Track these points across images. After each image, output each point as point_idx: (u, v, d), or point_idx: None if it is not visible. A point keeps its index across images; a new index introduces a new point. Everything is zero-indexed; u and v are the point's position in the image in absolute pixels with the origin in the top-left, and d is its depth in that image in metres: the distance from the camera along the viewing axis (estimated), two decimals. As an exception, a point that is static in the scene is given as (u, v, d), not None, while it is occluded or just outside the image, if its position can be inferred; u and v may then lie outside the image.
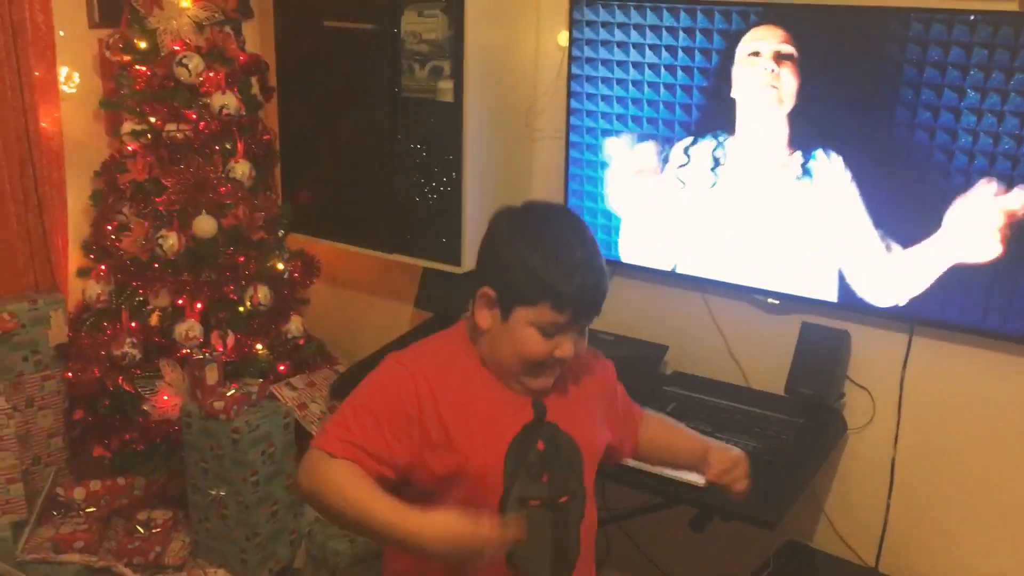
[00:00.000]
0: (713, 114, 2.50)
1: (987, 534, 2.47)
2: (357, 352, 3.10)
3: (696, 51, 2.47)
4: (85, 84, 2.93)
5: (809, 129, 2.37)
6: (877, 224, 2.35)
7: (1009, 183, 2.16)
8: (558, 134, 2.84)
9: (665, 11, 2.49)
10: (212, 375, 2.68)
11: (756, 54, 2.37)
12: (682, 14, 2.46)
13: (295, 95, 3.01)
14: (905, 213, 2.31)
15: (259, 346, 2.91)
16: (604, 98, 2.66)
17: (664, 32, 2.51)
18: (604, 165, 2.72)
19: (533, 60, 2.87)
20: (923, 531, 2.56)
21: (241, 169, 2.82)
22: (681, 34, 2.48)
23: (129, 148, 2.78)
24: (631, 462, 1.97)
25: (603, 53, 2.62)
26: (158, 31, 2.75)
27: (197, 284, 2.79)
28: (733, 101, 2.46)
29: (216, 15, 2.80)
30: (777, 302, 2.61)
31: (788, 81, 2.36)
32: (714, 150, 2.53)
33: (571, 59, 2.70)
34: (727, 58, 2.43)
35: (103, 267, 2.87)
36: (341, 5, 2.84)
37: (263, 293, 2.90)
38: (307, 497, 1.51)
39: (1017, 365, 2.34)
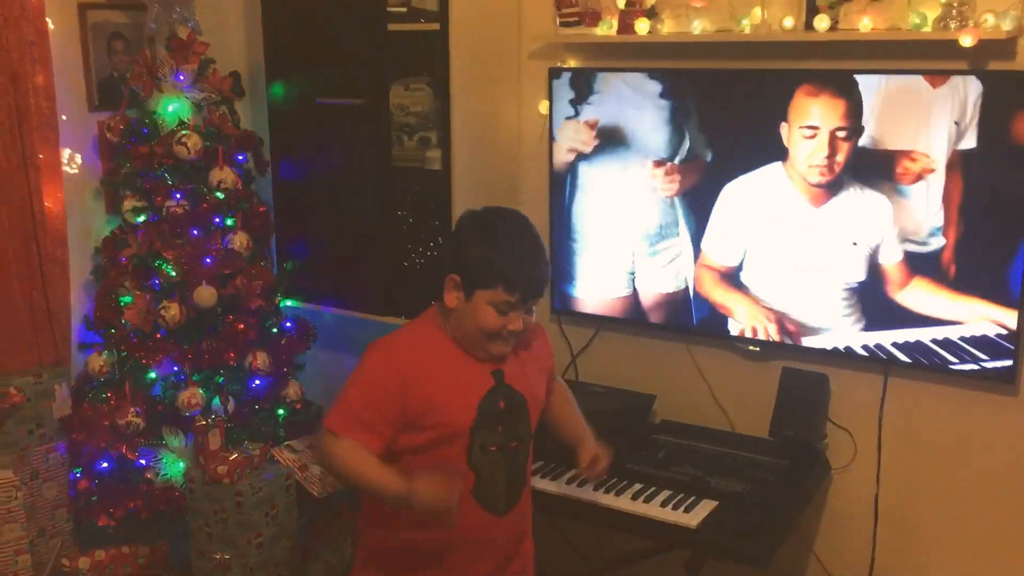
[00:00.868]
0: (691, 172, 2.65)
1: (970, 564, 2.56)
2: (354, 414, 3.17)
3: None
4: (86, 165, 3.05)
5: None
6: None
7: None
8: (541, 195, 2.98)
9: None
10: (215, 440, 2.75)
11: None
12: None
13: (289, 168, 3.14)
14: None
15: (257, 409, 2.99)
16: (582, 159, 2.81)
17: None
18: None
19: (516, 128, 3.02)
20: (909, 564, 2.65)
21: (239, 240, 2.93)
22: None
23: (130, 224, 2.88)
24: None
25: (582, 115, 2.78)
26: (157, 113, 2.87)
27: (198, 352, 2.88)
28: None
29: (212, 95, 2.94)
30: (757, 349, 2.73)
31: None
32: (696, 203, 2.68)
33: (551, 126, 2.85)
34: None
35: (105, 340, 2.94)
36: (331, 83, 2.99)
37: (262, 359, 2.98)
38: (328, 467, 2.00)
39: (987, 402, 2.46)
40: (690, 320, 2.74)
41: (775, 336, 2.62)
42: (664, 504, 2.39)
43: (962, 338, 2.37)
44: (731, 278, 2.65)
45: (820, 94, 2.42)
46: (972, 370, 2.39)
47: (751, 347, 2.73)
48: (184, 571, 2.87)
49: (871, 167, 2.39)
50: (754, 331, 2.64)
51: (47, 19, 2.81)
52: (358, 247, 3.04)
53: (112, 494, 2.84)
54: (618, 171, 2.76)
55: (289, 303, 3.20)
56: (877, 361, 2.54)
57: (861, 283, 2.47)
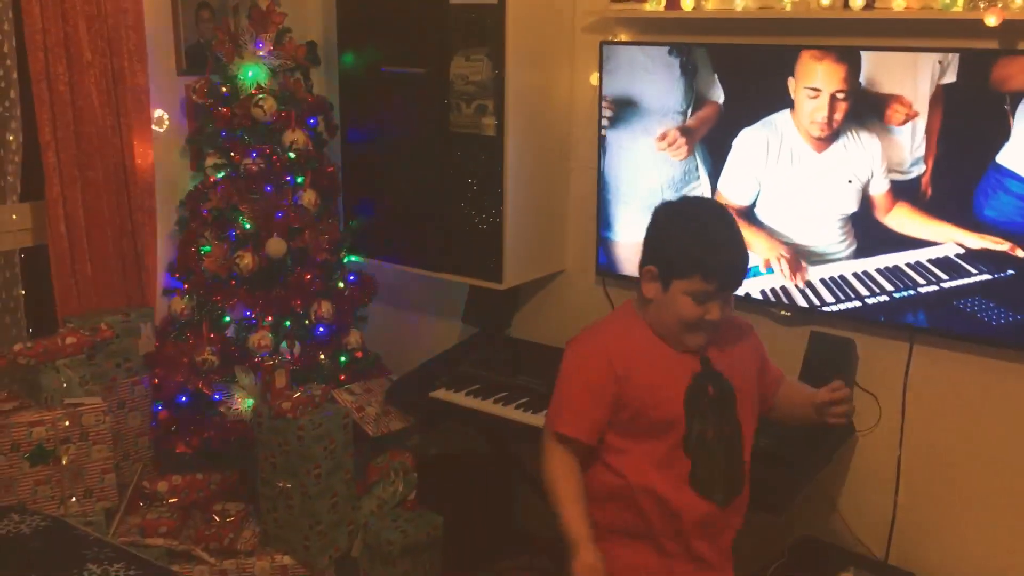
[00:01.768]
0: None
1: (988, 526, 2.66)
2: (408, 364, 3.41)
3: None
4: (173, 124, 3.32)
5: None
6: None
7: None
8: (592, 164, 3.14)
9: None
10: (281, 379, 3.00)
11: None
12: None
13: (356, 132, 3.36)
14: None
15: (322, 356, 3.24)
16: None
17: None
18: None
19: (568, 98, 3.19)
20: (929, 525, 2.75)
21: (308, 197, 3.17)
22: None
23: (211, 180, 3.14)
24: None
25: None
26: (237, 77, 3.12)
27: (268, 299, 3.13)
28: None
29: (288, 62, 3.17)
30: (788, 314, 2.85)
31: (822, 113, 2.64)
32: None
33: (602, 97, 3.01)
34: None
35: (186, 285, 3.22)
36: (397, 53, 3.19)
37: (326, 308, 3.23)
38: (542, 463, 2.02)
39: (1009, 370, 2.55)
40: None
41: (787, 269, 2.78)
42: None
43: (930, 260, 2.53)
44: (746, 215, 2.80)
45: (823, 59, 2.57)
46: (994, 338, 2.49)
47: (782, 312, 2.86)
48: (251, 497, 3.15)
49: (865, 113, 2.55)
50: (767, 263, 2.79)
51: (141, -12, 3.08)
52: (417, 207, 3.25)
53: (189, 425, 3.12)
54: (641, 133, 2.93)
55: (353, 258, 3.44)
56: (903, 328, 2.66)
57: (854, 213, 2.64)
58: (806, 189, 2.70)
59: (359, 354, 3.38)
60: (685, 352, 1.99)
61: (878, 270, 2.63)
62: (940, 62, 2.41)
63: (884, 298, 2.63)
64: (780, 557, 2.70)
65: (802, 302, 2.77)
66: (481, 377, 3.12)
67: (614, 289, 3.22)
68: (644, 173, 2.97)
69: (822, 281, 2.73)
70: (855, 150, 2.59)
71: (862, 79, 2.54)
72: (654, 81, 2.88)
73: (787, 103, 2.66)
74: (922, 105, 2.46)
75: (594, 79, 3.06)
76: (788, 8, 2.62)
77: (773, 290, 2.83)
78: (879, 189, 2.59)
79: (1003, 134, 2.35)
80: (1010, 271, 2.43)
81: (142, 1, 3.07)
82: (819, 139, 2.64)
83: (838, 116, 2.59)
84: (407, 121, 3.20)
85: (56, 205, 2.97)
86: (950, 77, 2.41)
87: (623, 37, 3.01)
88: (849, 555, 2.77)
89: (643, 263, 1.99)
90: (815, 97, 2.61)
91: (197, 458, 3.14)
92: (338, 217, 3.43)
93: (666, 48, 2.84)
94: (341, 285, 3.33)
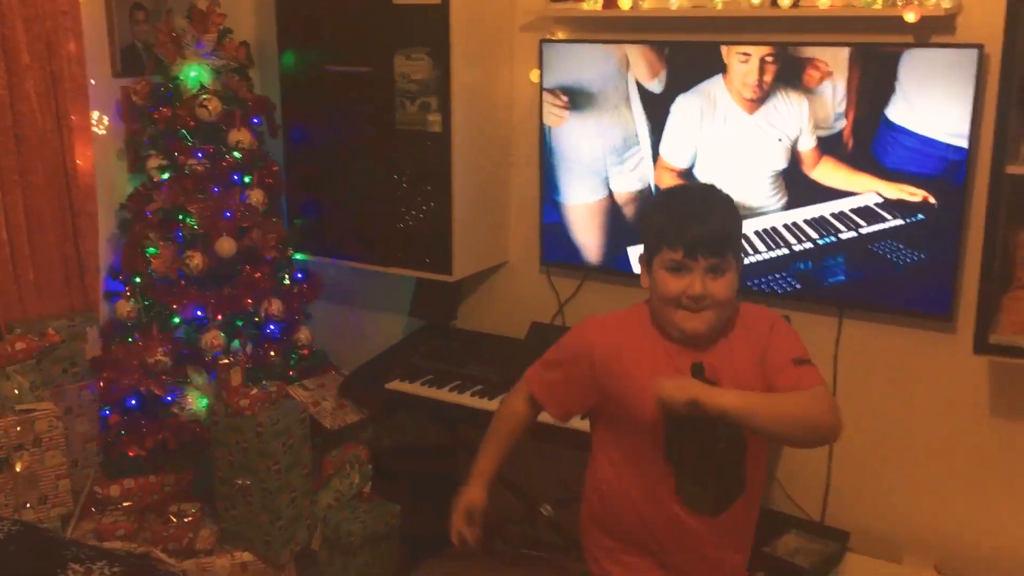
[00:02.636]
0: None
1: (915, 486, 2.88)
2: (355, 359, 3.46)
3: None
4: (112, 126, 3.29)
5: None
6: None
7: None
8: (532, 159, 3.25)
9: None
10: (236, 377, 3.02)
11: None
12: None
13: (299, 131, 3.40)
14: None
15: (272, 353, 3.27)
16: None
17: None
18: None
19: (509, 95, 3.29)
20: (860, 487, 2.96)
21: (256, 196, 3.19)
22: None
23: (155, 181, 3.13)
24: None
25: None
26: (179, 78, 3.12)
27: (219, 298, 3.14)
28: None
29: (230, 62, 3.19)
30: (727, 295, 3.02)
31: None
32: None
33: (542, 92, 3.13)
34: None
35: (130, 287, 3.20)
36: (339, 52, 3.24)
37: (276, 306, 3.26)
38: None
39: (929, 340, 2.78)
40: None
41: None
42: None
43: (852, 209, 2.74)
44: (685, 176, 2.96)
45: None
46: (916, 311, 2.71)
47: (721, 293, 3.03)
48: (206, 497, 3.15)
49: (791, 74, 2.74)
50: None
51: (79, -10, 3.05)
52: (364, 204, 3.31)
53: (141, 427, 3.11)
54: (586, 103, 3.07)
55: (300, 256, 3.47)
56: (833, 303, 2.86)
57: (784, 169, 2.82)
58: (739, 149, 2.87)
59: (306, 352, 3.42)
60: (685, 345, 1.85)
61: (805, 220, 2.82)
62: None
63: (809, 245, 2.82)
64: (727, 524, 2.86)
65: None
66: (433, 368, 3.20)
67: (558, 279, 3.34)
68: (589, 141, 3.09)
69: (755, 233, 2.90)
70: (784, 110, 2.77)
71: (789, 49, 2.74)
72: (596, 59, 3.02)
73: (720, 68, 2.82)
74: (841, 67, 2.65)
75: (534, 76, 3.18)
76: (719, 7, 2.79)
77: None
78: (807, 145, 2.77)
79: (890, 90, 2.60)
80: (920, 216, 2.64)
81: (80, 4, 3.04)
82: (751, 100, 2.80)
83: (767, 78, 2.76)
84: (352, 119, 3.26)
85: (-3, 209, 2.92)
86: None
87: (561, 35, 3.13)
88: (789, 519, 2.96)
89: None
90: (745, 61, 2.78)
91: (150, 460, 3.13)
92: (282, 215, 3.45)
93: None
94: (288, 283, 3.36)
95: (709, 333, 1.85)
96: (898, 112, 2.61)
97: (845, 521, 2.95)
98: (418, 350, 3.33)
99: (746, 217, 2.88)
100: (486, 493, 2.02)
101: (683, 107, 2.92)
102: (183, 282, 3.12)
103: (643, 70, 2.94)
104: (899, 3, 2.52)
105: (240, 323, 3.20)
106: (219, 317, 3.14)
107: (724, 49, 2.81)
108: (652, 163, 3.01)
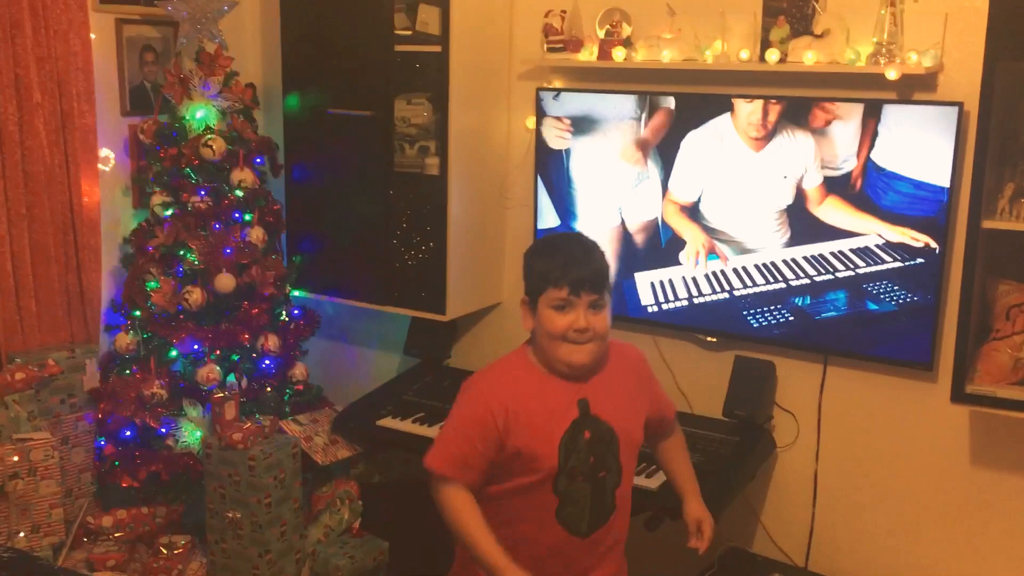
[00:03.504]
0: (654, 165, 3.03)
1: (897, 531, 2.91)
2: (349, 396, 3.51)
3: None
4: (117, 163, 3.38)
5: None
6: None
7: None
8: (527, 202, 3.33)
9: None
10: (230, 411, 3.07)
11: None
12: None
13: (301, 171, 3.48)
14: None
15: (268, 388, 3.32)
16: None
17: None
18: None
19: (505, 140, 3.38)
20: (844, 532, 2.99)
21: (256, 234, 3.27)
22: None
23: (159, 216, 3.21)
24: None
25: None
26: (185, 118, 3.22)
27: (216, 333, 3.21)
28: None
29: (235, 104, 3.28)
30: (715, 340, 3.08)
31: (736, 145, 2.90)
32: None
33: (537, 138, 3.21)
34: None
35: (131, 320, 3.26)
36: (342, 96, 3.33)
37: (273, 342, 3.32)
38: (437, 504, 2.07)
39: (911, 388, 2.83)
40: (659, 242, 3.10)
41: (710, 255, 3.02)
42: (628, 470, 2.71)
43: (852, 249, 2.79)
44: (690, 210, 3.02)
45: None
46: (898, 359, 2.76)
47: (709, 338, 3.09)
48: (196, 530, 3.19)
49: (798, 115, 2.80)
50: (696, 254, 3.03)
51: (91, 33, 3.16)
52: (362, 243, 3.38)
53: (135, 459, 3.15)
54: (601, 140, 3.13)
55: (298, 293, 3.54)
56: (819, 351, 2.91)
57: (789, 205, 2.87)
58: (746, 185, 2.92)
59: (300, 387, 3.47)
60: (571, 380, 2.04)
61: (804, 257, 2.87)
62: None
63: (805, 281, 2.87)
64: (710, 567, 2.89)
65: (732, 285, 3.01)
66: (425, 405, 3.25)
67: (550, 320, 3.39)
68: (602, 177, 3.15)
69: (756, 267, 2.96)
70: (790, 148, 2.83)
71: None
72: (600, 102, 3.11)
73: (727, 107, 2.89)
74: (851, 110, 2.70)
75: (530, 123, 3.26)
76: (710, 61, 2.88)
77: (695, 278, 3.06)
78: (812, 183, 2.82)
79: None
80: (920, 259, 2.69)
81: (91, 46, 3.14)
82: (756, 139, 2.87)
83: (771, 118, 2.83)
84: (352, 161, 3.34)
85: (2, 242, 3.01)
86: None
87: (557, 84, 3.23)
88: (774, 564, 2.98)
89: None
90: (750, 102, 2.85)
91: (143, 492, 3.17)
92: (282, 253, 3.52)
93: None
94: (286, 319, 3.42)
95: (592, 364, 2.05)
96: (888, 158, 2.68)
97: (829, 566, 2.98)
98: (411, 388, 3.39)
99: (748, 252, 2.95)
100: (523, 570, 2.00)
101: (692, 144, 2.99)
102: (182, 316, 3.19)
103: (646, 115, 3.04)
104: (882, 61, 2.60)
105: (236, 358, 3.26)
106: (216, 352, 3.20)
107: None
108: (661, 197, 3.07)
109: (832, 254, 2.83)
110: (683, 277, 3.07)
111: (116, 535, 3.14)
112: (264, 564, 3.03)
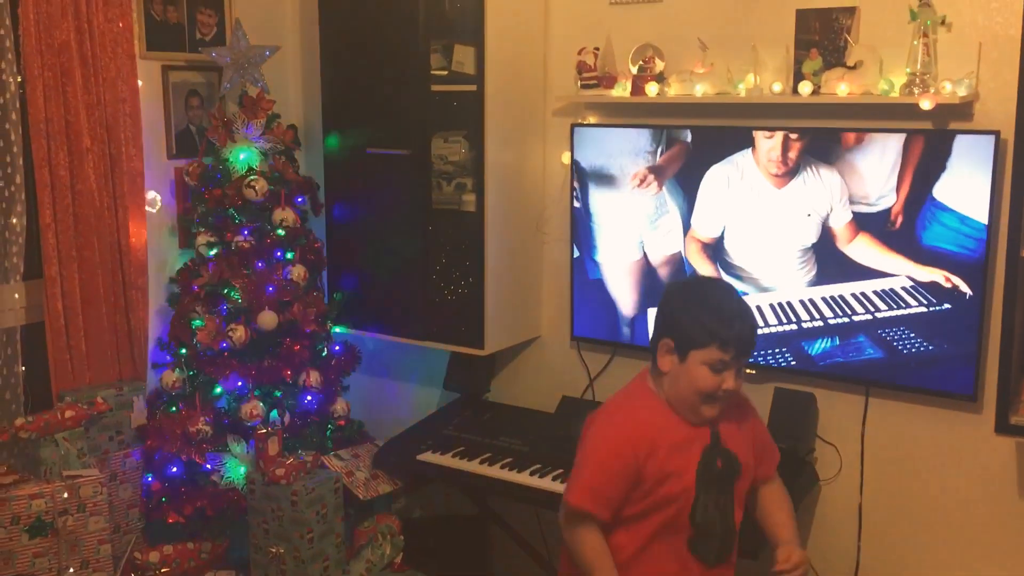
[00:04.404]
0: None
1: (945, 564, 2.86)
2: (389, 430, 3.54)
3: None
4: (163, 205, 3.47)
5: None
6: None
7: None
8: (563, 236, 3.36)
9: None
10: (273, 447, 3.12)
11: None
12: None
13: (341, 209, 3.55)
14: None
15: (310, 424, 3.36)
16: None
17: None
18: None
19: (541, 175, 3.42)
20: (891, 567, 2.95)
21: (297, 272, 3.33)
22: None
23: (204, 256, 3.28)
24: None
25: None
26: (230, 160, 3.30)
27: (260, 369, 3.26)
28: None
29: (277, 145, 3.36)
30: (754, 372, 3.07)
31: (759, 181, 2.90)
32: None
33: (578, 171, 3.24)
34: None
35: (174, 359, 3.33)
36: (380, 135, 3.40)
37: (315, 378, 3.36)
38: (565, 541, 2.18)
39: (955, 419, 2.79)
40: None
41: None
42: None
43: (875, 291, 2.78)
44: (712, 248, 3.03)
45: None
46: (930, 353, 2.73)
47: (749, 371, 3.07)
48: (240, 565, 3.22)
49: (822, 150, 2.79)
50: None
51: (138, 80, 3.26)
52: (401, 279, 3.43)
53: (181, 494, 3.20)
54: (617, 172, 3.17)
55: (339, 329, 3.59)
56: (860, 382, 2.88)
57: (813, 244, 2.87)
58: (768, 223, 2.92)
59: (342, 422, 3.50)
60: (698, 425, 2.12)
61: (824, 299, 2.87)
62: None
63: (838, 321, 2.85)
64: (754, 603, 2.86)
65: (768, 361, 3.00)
66: (465, 440, 3.27)
67: (588, 353, 3.41)
68: (621, 211, 3.18)
69: (778, 305, 2.95)
70: (813, 185, 2.82)
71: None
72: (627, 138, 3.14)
73: (748, 143, 2.90)
74: (889, 144, 2.68)
75: (565, 158, 3.30)
76: (743, 94, 2.89)
77: None
78: (840, 221, 2.81)
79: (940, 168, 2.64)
80: (947, 305, 2.67)
81: (138, 91, 3.24)
82: (777, 176, 2.87)
83: (792, 155, 2.83)
84: (390, 198, 3.40)
85: (54, 284, 3.09)
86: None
87: (592, 120, 3.26)
88: (818, 599, 2.95)
89: (658, 337, 2.12)
90: (770, 138, 2.86)
91: (188, 527, 3.22)
92: (323, 290, 3.58)
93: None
94: (327, 355, 3.47)
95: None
96: (942, 190, 2.66)
97: (875, 602, 2.94)
98: (451, 422, 3.41)
99: (771, 290, 2.95)
100: None
101: (713, 180, 3.00)
102: (226, 354, 3.25)
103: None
104: (916, 92, 2.60)
105: (279, 394, 3.31)
106: (259, 388, 3.26)
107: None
108: (683, 233, 3.09)
109: (875, 292, 2.79)
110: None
111: (163, 570, 3.18)
112: (307, 599, 3.06)
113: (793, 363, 2.95)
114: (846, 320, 2.83)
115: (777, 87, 2.83)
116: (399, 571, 3.31)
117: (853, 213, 2.79)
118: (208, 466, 3.22)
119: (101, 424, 3.19)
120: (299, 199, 3.44)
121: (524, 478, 3.01)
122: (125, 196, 3.23)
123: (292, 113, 3.80)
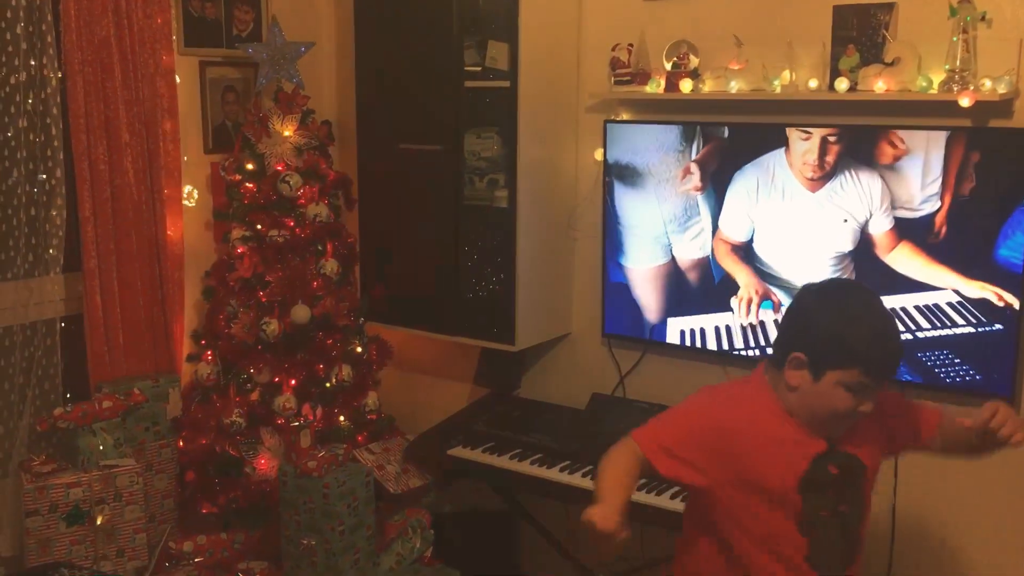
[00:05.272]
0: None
1: (980, 568, 2.83)
2: (419, 425, 3.56)
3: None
4: (200, 199, 3.51)
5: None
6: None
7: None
8: (595, 233, 3.35)
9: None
10: (305, 440, 3.15)
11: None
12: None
13: (374, 204, 3.57)
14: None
15: (342, 417, 3.39)
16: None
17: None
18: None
19: (574, 172, 3.42)
20: (924, 569, 2.91)
21: (330, 266, 3.35)
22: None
23: (238, 251, 3.32)
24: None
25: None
26: (266, 155, 3.33)
27: (293, 363, 3.29)
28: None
29: (312, 141, 3.39)
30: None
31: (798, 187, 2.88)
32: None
33: (606, 170, 3.24)
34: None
35: (210, 352, 3.36)
36: (413, 131, 3.41)
37: (346, 371, 3.39)
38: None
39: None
40: (712, 281, 3.09)
41: (743, 309, 2.99)
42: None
43: (916, 306, 2.69)
44: (743, 250, 3.00)
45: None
46: (976, 384, 2.69)
47: (780, 369, 3.05)
48: (273, 556, 3.26)
49: (862, 153, 2.72)
50: (749, 300, 2.99)
51: (176, 75, 3.30)
52: (433, 275, 3.44)
53: (215, 485, 3.25)
54: (649, 173, 3.15)
55: (370, 323, 3.61)
56: (894, 381, 2.85)
57: (852, 251, 2.80)
58: (800, 227, 2.86)
59: (372, 416, 3.52)
60: (820, 437, 1.91)
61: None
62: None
63: None
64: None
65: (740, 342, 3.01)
66: (495, 435, 3.28)
67: (619, 351, 3.40)
68: (650, 211, 3.16)
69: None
70: (851, 189, 2.75)
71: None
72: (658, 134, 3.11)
73: (782, 143, 2.86)
74: (935, 146, 2.60)
75: (598, 154, 3.29)
76: (778, 91, 2.87)
77: (716, 328, 3.06)
78: (880, 228, 2.72)
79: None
80: (998, 325, 2.60)
81: (176, 88, 3.28)
82: (812, 179, 2.81)
83: (830, 158, 2.77)
84: (423, 194, 3.41)
85: (92, 276, 3.14)
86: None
87: (625, 116, 3.25)
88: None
89: (787, 347, 1.89)
90: (807, 139, 2.80)
91: (221, 518, 3.26)
92: (356, 285, 3.61)
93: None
94: (359, 349, 3.49)
95: None
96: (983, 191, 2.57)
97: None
98: (481, 417, 3.42)
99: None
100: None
101: (744, 180, 2.97)
102: (260, 347, 3.28)
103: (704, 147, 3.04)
104: (955, 89, 2.56)
105: (312, 387, 3.33)
106: (292, 381, 3.29)
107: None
108: (711, 235, 3.07)
109: (916, 308, 2.68)
110: (740, 325, 3.06)
111: (196, 560, 3.23)
112: (338, 591, 3.08)
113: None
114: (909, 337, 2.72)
115: (813, 84, 2.80)
116: (428, 565, 3.33)
117: (895, 219, 2.71)
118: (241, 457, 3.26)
119: (138, 415, 3.24)
120: (332, 194, 3.46)
121: (554, 474, 3.01)
122: (162, 190, 3.28)
123: (326, 109, 3.83)
